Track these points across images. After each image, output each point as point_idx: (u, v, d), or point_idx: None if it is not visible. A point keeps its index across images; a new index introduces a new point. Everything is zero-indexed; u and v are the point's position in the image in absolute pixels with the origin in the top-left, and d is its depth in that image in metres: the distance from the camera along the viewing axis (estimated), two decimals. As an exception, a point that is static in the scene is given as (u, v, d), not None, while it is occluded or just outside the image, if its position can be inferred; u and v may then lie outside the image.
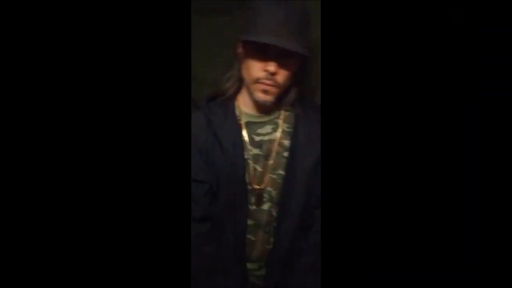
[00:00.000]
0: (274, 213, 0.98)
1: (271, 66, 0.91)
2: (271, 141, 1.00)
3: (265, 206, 0.98)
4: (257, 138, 0.99)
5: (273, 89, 0.95)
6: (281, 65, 0.92)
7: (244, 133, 0.99)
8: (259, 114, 1.01)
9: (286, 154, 0.98)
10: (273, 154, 0.98)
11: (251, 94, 0.98)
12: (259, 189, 0.97)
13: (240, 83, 1.01)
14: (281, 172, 0.98)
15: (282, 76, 0.94)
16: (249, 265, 0.99)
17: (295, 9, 0.91)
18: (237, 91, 1.03)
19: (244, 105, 1.02)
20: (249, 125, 1.00)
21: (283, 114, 1.01)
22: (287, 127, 1.01)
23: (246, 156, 0.98)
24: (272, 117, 1.02)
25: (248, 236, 0.98)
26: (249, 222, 0.98)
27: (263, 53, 0.92)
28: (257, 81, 0.95)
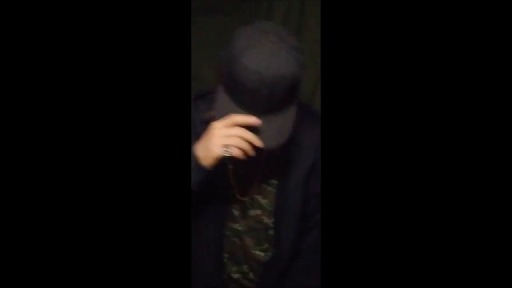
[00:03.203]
0: (267, 221, 0.96)
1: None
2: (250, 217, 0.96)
3: (252, 213, 0.95)
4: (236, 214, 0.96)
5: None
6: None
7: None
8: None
9: (269, 231, 0.95)
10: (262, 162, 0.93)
11: None
12: (242, 200, 0.94)
13: None
14: (274, 181, 0.95)
15: None
16: (235, 268, 0.97)
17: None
18: None
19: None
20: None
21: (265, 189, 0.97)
22: (268, 205, 0.96)
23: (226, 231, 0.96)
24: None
25: (233, 239, 0.96)
26: (233, 225, 0.96)
27: None
28: None
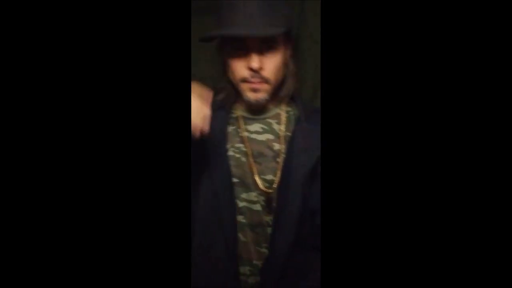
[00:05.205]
0: (267, 219, 0.93)
1: (254, 62, 0.86)
2: (258, 142, 0.94)
3: (257, 207, 0.94)
4: (242, 134, 0.94)
5: (263, 86, 0.89)
6: (265, 58, 0.87)
7: (231, 126, 0.95)
8: (253, 115, 0.96)
9: (277, 159, 0.92)
10: (260, 156, 0.93)
11: (242, 96, 0.93)
12: (267, 191, 0.91)
13: (234, 89, 0.95)
14: (271, 177, 0.93)
15: (269, 70, 0.88)
16: (240, 269, 0.95)
17: None
18: (235, 100, 0.98)
19: (240, 107, 0.98)
20: (239, 119, 0.95)
21: (281, 115, 0.95)
22: (281, 130, 0.94)
23: (231, 150, 0.93)
24: (265, 115, 0.96)
25: (238, 233, 0.93)
26: (239, 218, 0.94)
27: (242, 49, 0.86)
28: (243, 81, 0.89)
